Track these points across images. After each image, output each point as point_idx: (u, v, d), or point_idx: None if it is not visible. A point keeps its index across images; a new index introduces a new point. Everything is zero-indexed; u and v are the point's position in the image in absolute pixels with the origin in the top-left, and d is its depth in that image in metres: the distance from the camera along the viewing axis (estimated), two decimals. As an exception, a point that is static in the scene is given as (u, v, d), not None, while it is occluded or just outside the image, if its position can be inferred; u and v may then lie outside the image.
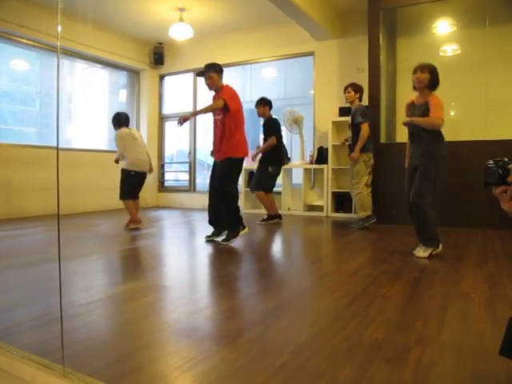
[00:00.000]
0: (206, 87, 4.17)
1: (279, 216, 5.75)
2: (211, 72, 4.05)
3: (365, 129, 4.92)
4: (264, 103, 5.68)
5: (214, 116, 4.17)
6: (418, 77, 3.37)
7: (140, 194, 5.24)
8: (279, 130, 5.70)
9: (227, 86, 4.14)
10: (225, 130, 4.04)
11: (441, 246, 3.43)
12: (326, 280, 2.92)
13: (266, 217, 5.70)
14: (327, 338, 1.77)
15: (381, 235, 4.66)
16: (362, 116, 4.94)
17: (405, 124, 3.44)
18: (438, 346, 1.68)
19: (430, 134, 3.35)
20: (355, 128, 5.00)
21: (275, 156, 5.60)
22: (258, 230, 5.27)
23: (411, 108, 3.52)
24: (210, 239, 4.21)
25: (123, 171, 5.10)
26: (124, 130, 5.15)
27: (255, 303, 2.34)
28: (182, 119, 3.89)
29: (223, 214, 4.09)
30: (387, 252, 3.73)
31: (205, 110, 4.14)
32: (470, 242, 4.12)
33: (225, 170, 4.07)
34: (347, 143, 5.24)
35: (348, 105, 5.34)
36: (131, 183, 5.10)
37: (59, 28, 1.83)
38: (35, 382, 1.38)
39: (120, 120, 5.21)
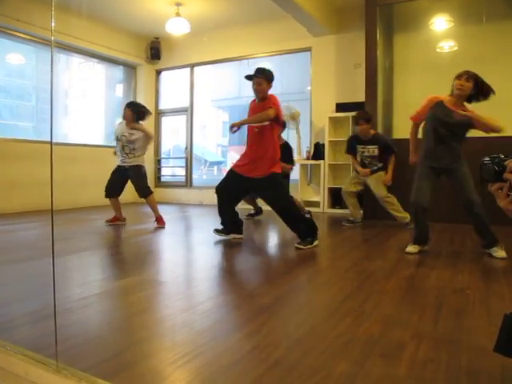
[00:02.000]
0: (253, 92, 3.90)
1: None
2: (262, 78, 3.82)
3: (394, 158, 5.01)
4: None
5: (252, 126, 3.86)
6: (462, 84, 3.23)
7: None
8: None
9: (273, 95, 3.88)
10: (263, 141, 3.80)
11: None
12: (321, 276, 2.92)
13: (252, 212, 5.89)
14: (323, 334, 1.77)
15: (376, 231, 4.66)
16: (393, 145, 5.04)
17: (469, 117, 3.26)
18: (433, 341, 1.68)
19: (461, 142, 3.35)
20: (385, 153, 5.01)
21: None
22: (254, 225, 5.28)
23: (443, 109, 3.31)
24: (218, 233, 4.11)
25: (143, 168, 5.01)
26: None
27: (251, 298, 2.34)
28: (235, 127, 3.70)
29: (298, 225, 3.81)
30: (383, 248, 3.74)
31: (257, 119, 3.77)
32: (466, 239, 4.13)
33: (277, 186, 3.84)
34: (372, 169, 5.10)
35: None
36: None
37: (53, 23, 1.81)
38: (29, 377, 1.37)
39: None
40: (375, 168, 5.05)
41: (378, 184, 4.98)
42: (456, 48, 5.82)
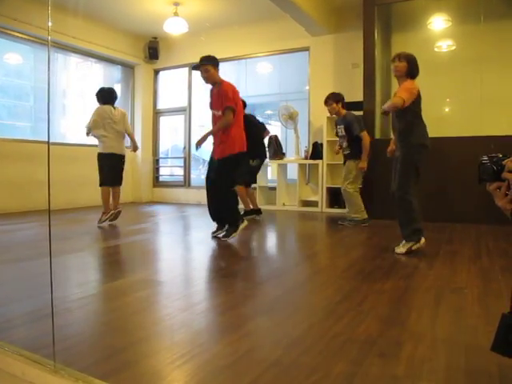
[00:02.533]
0: (203, 80, 4.08)
1: (257, 212, 5.65)
2: (208, 65, 3.97)
3: (366, 137, 4.95)
4: None
5: (213, 111, 4.06)
6: (396, 65, 3.32)
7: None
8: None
9: (227, 83, 4.02)
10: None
11: (423, 239, 3.36)
12: (319, 275, 2.92)
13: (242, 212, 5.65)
14: (320, 334, 1.77)
15: (374, 231, 4.66)
16: (358, 125, 4.95)
17: (382, 113, 3.43)
18: (431, 340, 1.68)
19: (402, 123, 3.32)
20: (354, 137, 4.95)
21: (257, 150, 5.47)
22: (253, 225, 5.27)
23: None
24: (215, 235, 4.12)
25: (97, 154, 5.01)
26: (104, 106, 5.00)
27: (249, 298, 2.33)
28: (199, 143, 3.96)
29: (225, 212, 4.05)
30: (381, 247, 3.74)
31: (218, 129, 3.98)
32: (464, 238, 4.14)
33: (223, 168, 3.99)
34: (344, 153, 5.14)
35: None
36: (103, 167, 4.95)
37: (49, 22, 1.82)
38: (26, 377, 1.36)
39: (103, 97, 5.04)
40: (345, 153, 5.11)
41: (346, 174, 5.04)
42: (454, 47, 5.84)
